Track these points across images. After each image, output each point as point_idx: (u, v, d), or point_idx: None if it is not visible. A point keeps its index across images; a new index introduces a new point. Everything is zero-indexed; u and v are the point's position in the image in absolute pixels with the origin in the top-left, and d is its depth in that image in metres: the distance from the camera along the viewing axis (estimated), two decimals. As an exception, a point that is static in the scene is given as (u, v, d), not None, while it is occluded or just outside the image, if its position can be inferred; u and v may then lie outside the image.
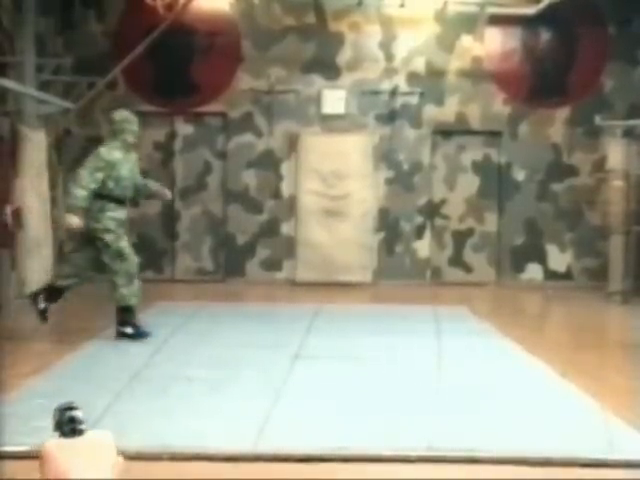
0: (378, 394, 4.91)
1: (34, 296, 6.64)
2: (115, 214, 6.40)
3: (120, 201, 6.46)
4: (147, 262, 11.07)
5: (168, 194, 7.09)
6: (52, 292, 6.63)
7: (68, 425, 0.92)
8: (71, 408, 0.94)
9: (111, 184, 6.33)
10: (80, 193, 6.22)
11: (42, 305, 6.55)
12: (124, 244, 6.44)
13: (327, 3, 10.83)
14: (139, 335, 6.37)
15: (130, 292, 6.41)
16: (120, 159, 6.39)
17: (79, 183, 6.23)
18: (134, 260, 6.50)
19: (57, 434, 0.93)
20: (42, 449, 0.91)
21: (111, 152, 6.37)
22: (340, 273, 10.89)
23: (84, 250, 6.56)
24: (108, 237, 6.34)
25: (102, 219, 6.33)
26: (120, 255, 6.37)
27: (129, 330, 6.37)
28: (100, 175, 6.26)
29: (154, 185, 6.97)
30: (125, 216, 6.54)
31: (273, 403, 4.57)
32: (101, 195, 6.33)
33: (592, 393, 4.91)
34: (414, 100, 11.02)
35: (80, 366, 5.61)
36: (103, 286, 10.32)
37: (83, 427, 0.93)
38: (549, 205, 11.11)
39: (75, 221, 6.25)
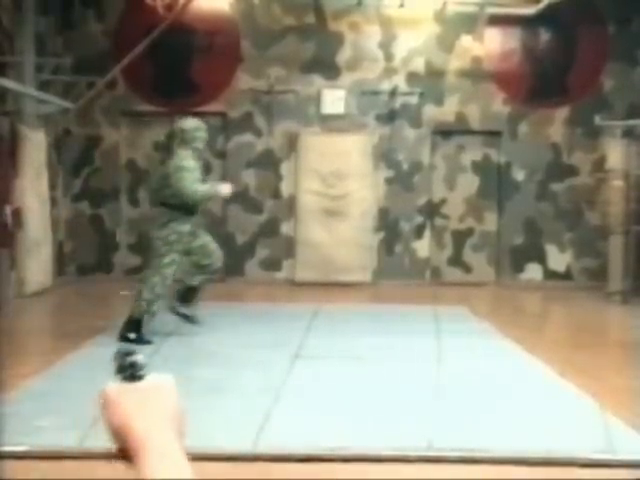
0: (378, 394, 4.91)
1: (173, 309, 6.65)
2: (181, 227, 6.36)
3: (190, 212, 6.41)
4: (147, 262, 11.08)
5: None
6: (186, 294, 6.65)
7: (128, 370, 0.92)
8: (131, 353, 0.93)
9: None
10: (202, 188, 6.31)
11: (184, 310, 6.61)
12: (168, 261, 6.36)
13: (327, 3, 10.83)
14: (141, 342, 6.35)
15: (149, 309, 6.38)
16: (198, 167, 6.40)
17: (197, 187, 6.25)
18: (168, 282, 6.44)
19: (118, 379, 0.92)
20: (103, 393, 0.91)
21: (189, 161, 6.34)
22: (340, 273, 10.90)
23: (181, 257, 6.60)
24: (162, 248, 6.34)
25: (166, 229, 6.33)
26: (159, 270, 6.36)
27: (132, 335, 6.37)
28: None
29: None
30: (189, 228, 6.44)
31: (273, 403, 4.57)
32: (173, 206, 6.30)
33: (591, 393, 4.91)
34: (414, 100, 11.02)
35: (80, 366, 5.61)
36: (103, 286, 10.35)
37: (143, 372, 0.93)
38: (549, 205, 11.11)
39: (226, 187, 6.45)
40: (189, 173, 6.25)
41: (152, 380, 0.93)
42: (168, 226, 6.34)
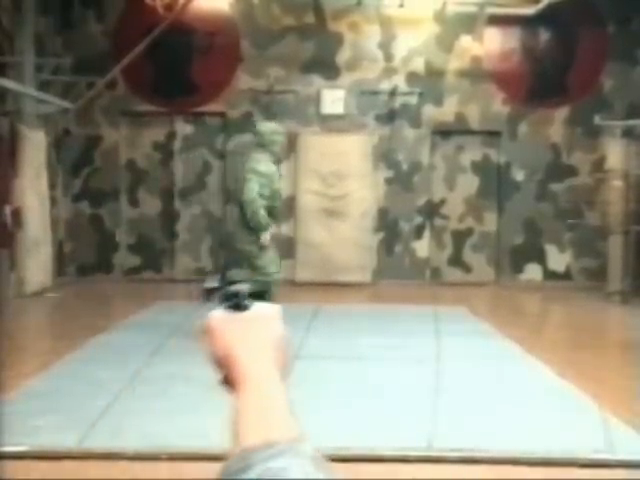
0: (378, 394, 4.91)
1: None
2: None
3: (271, 214, 6.41)
4: (146, 262, 11.09)
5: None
6: None
7: (232, 299, 0.91)
8: (236, 282, 0.92)
9: (267, 199, 6.32)
10: (262, 212, 6.23)
11: None
12: (264, 261, 6.38)
13: (326, 3, 10.83)
14: None
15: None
16: (275, 172, 6.40)
17: (257, 204, 6.19)
18: (273, 277, 6.49)
19: (223, 307, 0.91)
20: (207, 321, 0.90)
21: (267, 165, 6.34)
22: (339, 273, 10.89)
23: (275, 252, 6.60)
24: (251, 249, 6.33)
25: (253, 233, 6.31)
26: (257, 269, 6.35)
27: None
28: (266, 191, 6.26)
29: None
30: (272, 229, 6.49)
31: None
32: None
33: (591, 393, 4.91)
34: (413, 100, 11.02)
35: (80, 366, 5.61)
36: (102, 287, 10.35)
37: (248, 302, 0.91)
38: (548, 205, 11.11)
39: (268, 237, 6.31)
40: (258, 177, 6.23)
41: (257, 310, 0.92)
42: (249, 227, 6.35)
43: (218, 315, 0.90)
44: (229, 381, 0.86)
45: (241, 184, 6.40)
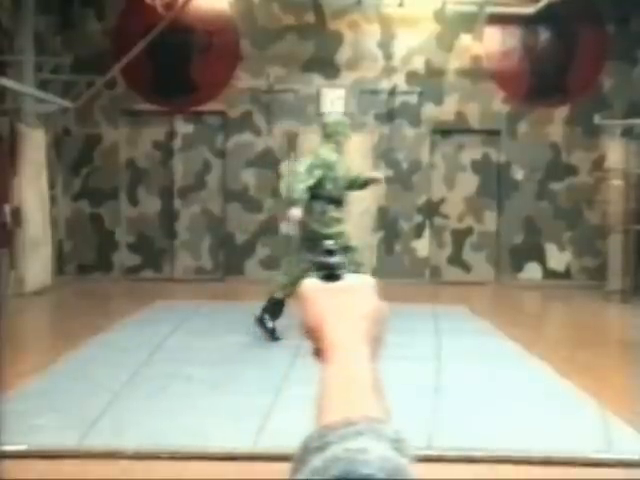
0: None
1: (260, 320, 6.59)
2: (334, 214, 6.55)
3: (337, 202, 6.58)
4: (146, 261, 11.09)
5: (380, 176, 7.19)
6: (274, 307, 6.60)
7: (325, 270, 0.90)
8: (331, 252, 0.91)
9: (329, 185, 6.46)
10: (299, 187, 6.36)
11: (270, 325, 6.55)
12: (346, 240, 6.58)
13: (326, 2, 10.83)
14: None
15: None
16: (336, 160, 6.56)
17: (298, 178, 6.40)
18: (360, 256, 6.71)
19: (317, 277, 0.90)
20: (301, 287, 0.89)
21: (329, 153, 6.53)
22: (339, 272, 10.87)
23: (301, 259, 6.60)
24: (329, 230, 6.45)
25: (324, 220, 6.48)
26: (346, 249, 6.48)
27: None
28: (318, 172, 6.40)
29: (366, 174, 7.12)
30: (342, 216, 6.66)
31: (273, 402, 4.56)
32: (320, 196, 6.45)
33: (591, 392, 4.91)
34: (413, 99, 11.02)
35: (79, 365, 5.61)
36: (102, 285, 10.35)
37: (341, 272, 0.90)
38: (548, 204, 11.12)
39: (297, 213, 6.34)
40: (314, 159, 6.45)
41: (350, 281, 0.90)
42: (325, 216, 6.49)
43: (311, 284, 0.89)
44: (318, 351, 0.83)
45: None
